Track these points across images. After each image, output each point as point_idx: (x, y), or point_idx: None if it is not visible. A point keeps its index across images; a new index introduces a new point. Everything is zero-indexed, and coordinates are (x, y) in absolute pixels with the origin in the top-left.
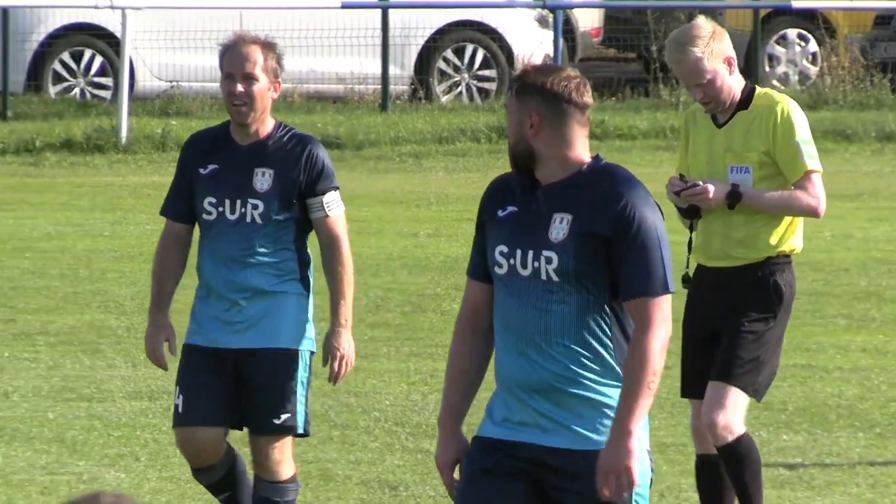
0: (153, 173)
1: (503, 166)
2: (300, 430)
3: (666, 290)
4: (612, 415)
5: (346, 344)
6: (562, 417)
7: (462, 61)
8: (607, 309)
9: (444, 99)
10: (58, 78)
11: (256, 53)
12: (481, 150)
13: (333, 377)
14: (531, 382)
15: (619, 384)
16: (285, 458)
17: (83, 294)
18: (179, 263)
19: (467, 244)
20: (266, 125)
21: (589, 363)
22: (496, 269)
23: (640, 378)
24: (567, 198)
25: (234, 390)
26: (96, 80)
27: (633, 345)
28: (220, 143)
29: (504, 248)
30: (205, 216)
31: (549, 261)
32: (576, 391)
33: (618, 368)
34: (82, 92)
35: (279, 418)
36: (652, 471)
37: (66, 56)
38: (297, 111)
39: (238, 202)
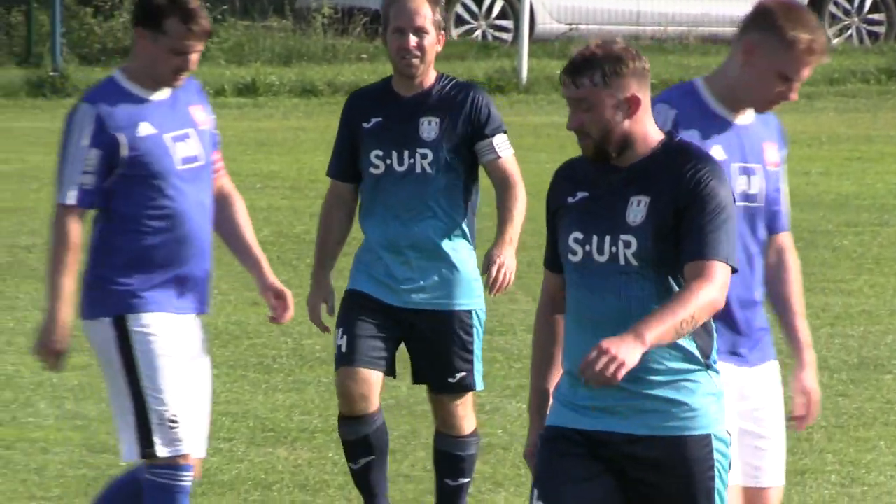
0: (553, 113)
1: (892, 107)
2: (478, 387)
3: (729, 261)
4: (693, 402)
5: (508, 257)
6: (640, 404)
7: (852, 5)
8: None
9: (834, 42)
10: (460, 21)
11: (425, 7)
12: (871, 91)
13: (491, 286)
14: None
15: (700, 368)
16: (467, 413)
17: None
18: (343, 224)
19: (858, 182)
20: (429, 76)
21: (667, 348)
22: (570, 256)
23: (678, 306)
24: (644, 179)
25: (396, 343)
26: (497, 22)
27: (688, 286)
28: (382, 97)
29: (579, 235)
30: (371, 170)
31: (627, 245)
32: (654, 378)
33: (697, 353)
34: (484, 34)
35: (455, 377)
36: (726, 457)
37: (469, 0)
38: (693, 53)
39: (406, 152)
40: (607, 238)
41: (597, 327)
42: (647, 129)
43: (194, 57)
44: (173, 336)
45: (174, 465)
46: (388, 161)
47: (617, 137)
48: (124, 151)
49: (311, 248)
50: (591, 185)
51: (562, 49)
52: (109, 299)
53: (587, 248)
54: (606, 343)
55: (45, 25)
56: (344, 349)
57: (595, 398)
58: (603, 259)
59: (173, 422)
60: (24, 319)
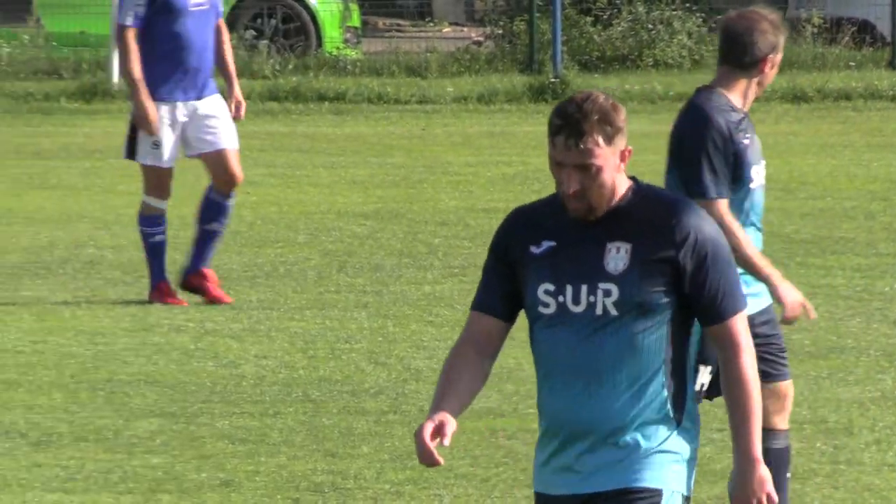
0: None
1: None
2: None
3: (745, 305)
4: (657, 455)
5: None
6: (609, 457)
7: None
8: (664, 343)
9: None
10: None
11: None
12: None
13: None
14: (579, 424)
15: (669, 424)
16: None
17: None
18: None
19: None
20: None
21: (641, 402)
22: (541, 308)
23: (748, 404)
24: (620, 226)
25: None
26: None
27: (730, 370)
28: None
29: (550, 287)
30: None
31: (607, 293)
32: (626, 433)
33: (670, 410)
34: None
35: None
36: None
37: None
38: None
39: None
40: (584, 287)
41: (570, 379)
42: (620, 178)
43: None
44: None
45: None
46: None
47: (609, 195)
48: None
49: (800, 247)
50: (558, 234)
51: None
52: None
53: (560, 298)
54: (739, 498)
55: (547, 34)
56: None
57: (562, 455)
58: (579, 309)
59: None
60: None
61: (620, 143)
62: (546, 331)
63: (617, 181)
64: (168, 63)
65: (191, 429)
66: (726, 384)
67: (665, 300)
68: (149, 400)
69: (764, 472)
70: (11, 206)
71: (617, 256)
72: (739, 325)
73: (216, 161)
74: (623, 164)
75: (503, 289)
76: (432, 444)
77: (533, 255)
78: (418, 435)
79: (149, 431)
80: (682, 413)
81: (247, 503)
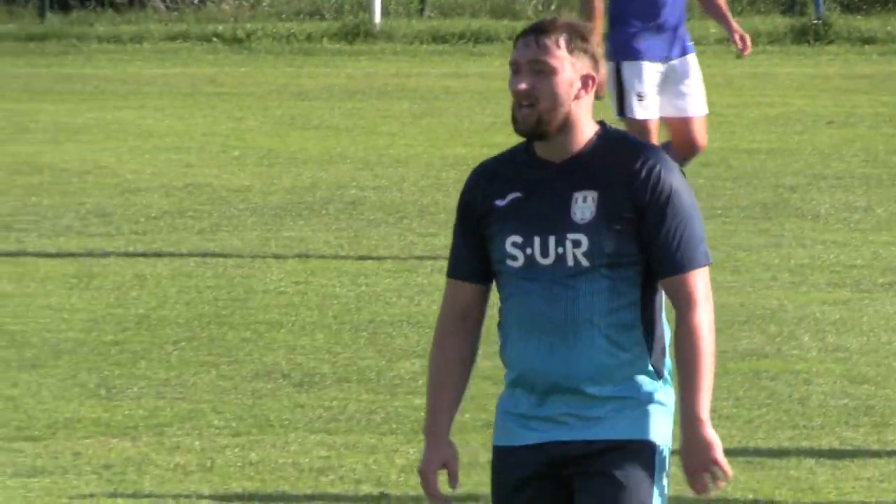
0: None
1: None
2: None
3: (707, 261)
4: (642, 407)
5: None
6: (589, 412)
7: None
8: (638, 293)
9: None
10: None
11: None
12: None
13: None
14: (556, 377)
15: (653, 378)
16: None
17: None
18: None
19: None
20: None
21: (620, 353)
22: (509, 262)
23: (699, 362)
24: (585, 173)
25: None
26: None
27: (681, 326)
28: None
29: (517, 238)
30: None
31: (576, 244)
32: (606, 384)
33: (651, 367)
34: None
35: None
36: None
37: None
38: None
39: None
40: (551, 239)
41: (544, 333)
42: (586, 119)
43: None
44: None
45: None
46: None
47: (561, 116)
48: None
49: None
50: (523, 185)
51: None
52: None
53: (528, 251)
54: (689, 464)
55: None
56: None
57: (542, 408)
58: (548, 262)
59: None
60: (787, 256)
61: (585, 62)
62: (516, 284)
63: (576, 110)
64: (642, 20)
65: None
66: (678, 341)
67: (635, 249)
68: (411, 341)
69: (711, 434)
70: (274, 147)
71: (584, 206)
72: (698, 281)
73: (681, 128)
74: (585, 92)
75: (475, 252)
76: (437, 484)
77: (498, 208)
78: (423, 477)
79: (411, 372)
80: (661, 364)
81: None
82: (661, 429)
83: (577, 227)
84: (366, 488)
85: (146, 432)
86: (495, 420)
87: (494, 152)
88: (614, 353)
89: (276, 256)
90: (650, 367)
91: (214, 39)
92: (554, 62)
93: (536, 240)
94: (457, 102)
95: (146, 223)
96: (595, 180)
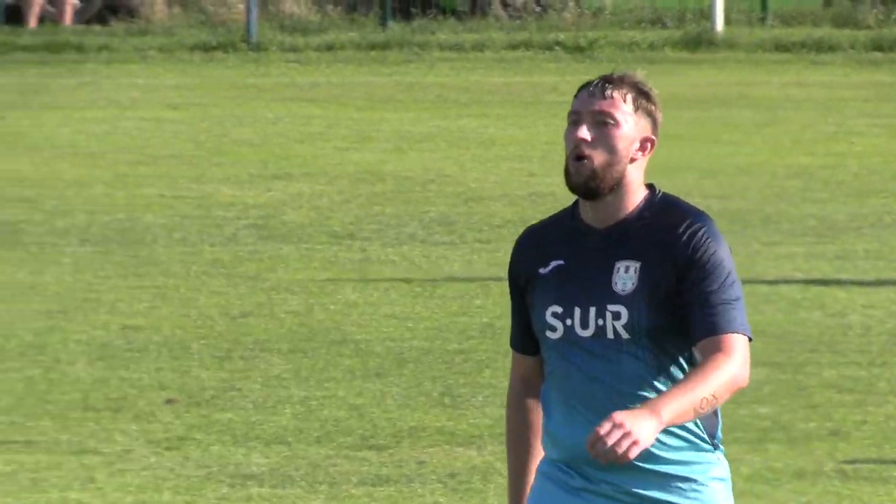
0: None
1: None
2: None
3: (746, 332)
4: (696, 486)
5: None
6: (642, 489)
7: None
8: (685, 363)
9: None
10: None
11: None
12: None
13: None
14: None
15: (707, 449)
16: None
17: None
18: None
19: None
20: None
21: (673, 429)
22: (548, 333)
23: (697, 383)
24: (630, 242)
25: None
26: None
27: (706, 360)
28: None
29: (558, 309)
30: None
31: (616, 316)
32: (656, 461)
33: (703, 433)
34: None
35: None
36: None
37: None
38: None
39: None
40: (592, 310)
41: (588, 409)
42: (637, 183)
43: None
44: None
45: None
46: None
47: (615, 175)
48: None
49: None
50: (566, 252)
51: None
52: None
53: (568, 322)
54: (620, 417)
55: None
56: None
57: (591, 483)
58: (587, 333)
59: None
60: None
61: (646, 124)
62: (556, 356)
63: (630, 172)
64: None
65: (798, 378)
66: (699, 365)
67: (679, 325)
68: (755, 349)
69: (652, 424)
70: None
71: (626, 276)
72: (736, 343)
73: None
74: (642, 154)
75: (526, 323)
76: None
77: (541, 276)
78: None
79: (756, 381)
80: (714, 435)
81: (854, 453)
82: (716, 501)
83: (617, 298)
84: None
85: (491, 441)
86: (534, 481)
87: (837, 162)
88: (666, 429)
89: None
90: (703, 437)
91: (556, 48)
92: (619, 115)
93: (577, 311)
94: (799, 111)
95: (489, 232)
96: (638, 250)
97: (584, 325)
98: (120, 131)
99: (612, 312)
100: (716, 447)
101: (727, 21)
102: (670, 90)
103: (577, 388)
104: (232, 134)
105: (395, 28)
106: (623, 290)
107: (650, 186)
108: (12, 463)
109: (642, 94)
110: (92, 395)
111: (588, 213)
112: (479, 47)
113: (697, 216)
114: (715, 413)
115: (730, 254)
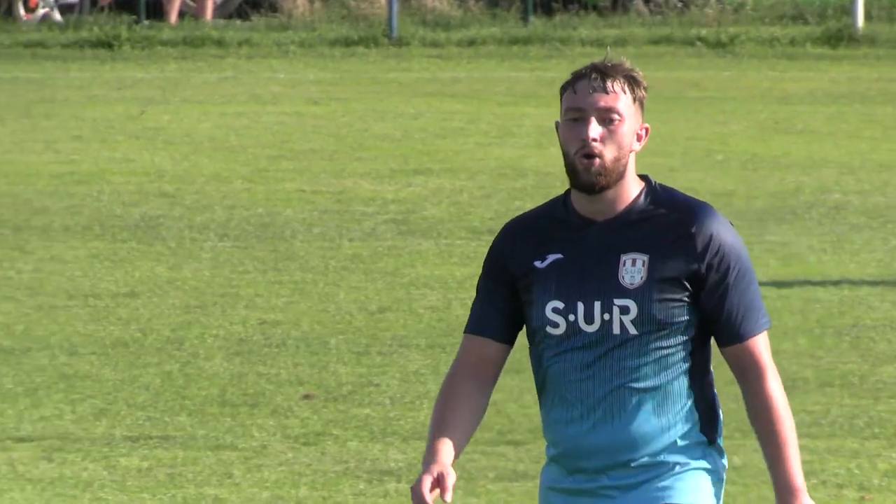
0: None
1: None
2: None
3: (768, 325)
4: (688, 472)
5: None
6: (634, 479)
7: None
8: (689, 361)
9: None
10: None
11: None
12: None
13: None
14: (602, 453)
15: (701, 444)
16: None
17: None
18: None
19: None
20: None
21: (669, 424)
22: (549, 329)
23: (782, 431)
24: (634, 234)
25: None
26: None
27: (756, 397)
28: None
29: (559, 304)
30: None
31: (624, 310)
32: (654, 454)
33: (701, 433)
34: None
35: None
36: None
37: None
38: None
39: None
40: (597, 304)
41: (588, 406)
42: (633, 173)
43: None
44: None
45: None
46: None
47: (621, 168)
48: None
49: None
50: (564, 245)
51: None
52: None
53: (571, 317)
54: None
55: None
56: None
57: (588, 482)
58: (592, 328)
59: None
60: None
61: (641, 112)
62: (556, 352)
63: (630, 166)
64: None
65: None
66: (754, 412)
67: (686, 316)
68: (894, 345)
69: (810, 502)
70: (757, 151)
71: (633, 269)
72: (761, 346)
73: None
74: (640, 144)
75: (503, 310)
76: (430, 498)
77: (537, 271)
78: (415, 491)
79: (894, 377)
80: (714, 431)
81: None
82: (706, 494)
83: (625, 292)
84: (848, 493)
85: None
86: (539, 493)
87: None
88: (663, 426)
89: (759, 260)
90: (701, 436)
91: (698, 43)
92: (623, 109)
93: (580, 305)
94: None
95: None
96: (645, 242)
97: (589, 320)
98: (260, 126)
99: (619, 307)
100: (712, 442)
101: (868, 17)
102: (811, 86)
103: (577, 386)
104: (372, 129)
105: (537, 23)
106: (632, 284)
107: (645, 178)
108: (149, 458)
109: (636, 83)
110: (229, 391)
111: (585, 205)
112: (620, 42)
113: (706, 211)
114: (714, 411)
115: (740, 240)
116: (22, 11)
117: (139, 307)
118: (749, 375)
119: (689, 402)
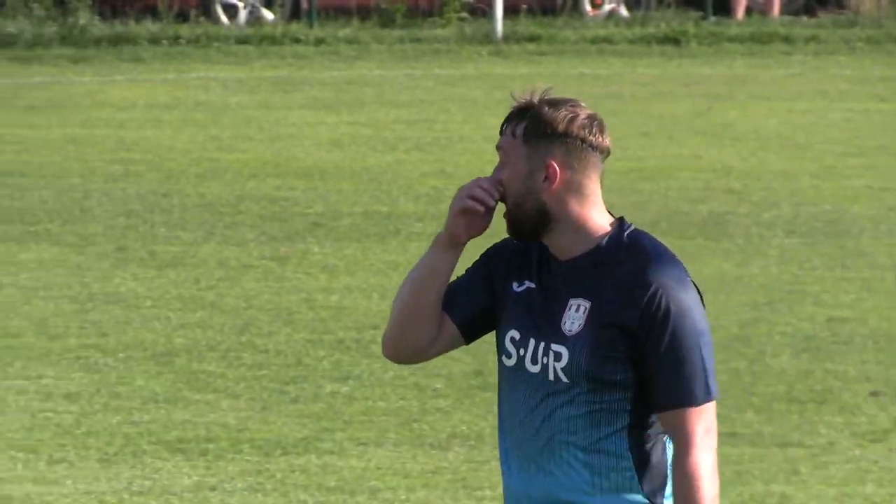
0: None
1: None
2: None
3: (708, 398)
4: None
5: None
6: None
7: None
8: (626, 419)
9: None
10: None
11: None
12: None
13: None
14: (535, 500)
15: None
16: None
17: None
18: None
19: None
20: None
21: (604, 483)
22: (504, 358)
23: (696, 500)
24: (586, 280)
25: None
26: None
27: (677, 470)
28: None
29: (516, 335)
30: None
31: (557, 357)
32: None
33: (637, 484)
34: None
35: None
36: None
37: None
38: None
39: None
40: (541, 346)
41: (523, 451)
42: (587, 217)
43: None
44: None
45: None
46: None
47: (530, 211)
48: None
49: None
50: (540, 276)
51: None
52: None
53: (521, 351)
54: None
55: None
56: None
57: None
58: (535, 370)
59: None
60: None
61: (546, 151)
62: (509, 384)
63: (553, 206)
64: None
65: None
66: (674, 483)
67: (621, 374)
68: None
69: None
70: None
71: (574, 316)
72: (692, 417)
73: None
74: (551, 184)
75: (478, 298)
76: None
77: (514, 294)
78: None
79: None
80: (659, 494)
81: None
82: None
83: (562, 339)
84: None
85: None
86: None
87: None
88: (597, 484)
89: None
90: (640, 493)
91: None
92: (510, 152)
93: (531, 343)
94: None
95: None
96: (592, 289)
97: (534, 361)
98: (827, 123)
99: (554, 353)
100: (651, 500)
101: None
102: None
103: (518, 426)
104: None
105: None
106: (569, 331)
107: (619, 221)
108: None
109: (535, 119)
110: (796, 388)
111: (550, 241)
112: None
113: (662, 263)
114: (659, 472)
115: (698, 302)
116: (588, 7)
117: (707, 303)
118: (675, 444)
119: (628, 464)
